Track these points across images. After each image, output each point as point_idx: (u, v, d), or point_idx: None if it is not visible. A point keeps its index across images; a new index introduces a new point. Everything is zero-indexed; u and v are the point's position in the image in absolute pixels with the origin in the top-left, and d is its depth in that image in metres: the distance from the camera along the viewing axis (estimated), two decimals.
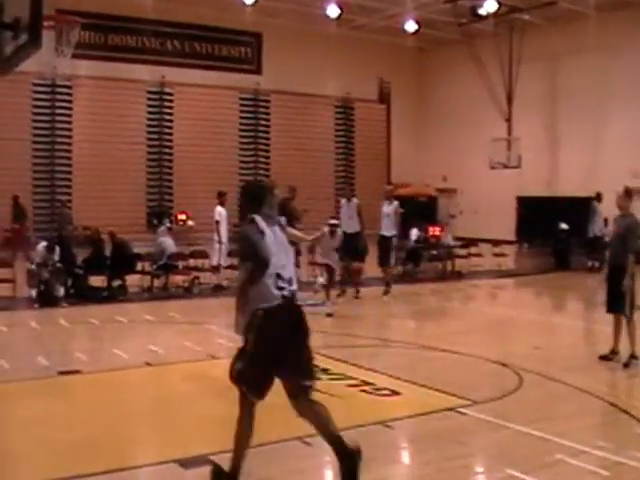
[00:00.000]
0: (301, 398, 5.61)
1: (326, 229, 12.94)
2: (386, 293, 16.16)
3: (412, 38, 31.57)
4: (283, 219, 5.84)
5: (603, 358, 9.91)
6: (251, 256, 5.42)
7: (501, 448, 6.65)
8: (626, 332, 9.79)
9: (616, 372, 9.56)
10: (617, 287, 9.73)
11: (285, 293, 5.42)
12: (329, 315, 13.24)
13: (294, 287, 5.51)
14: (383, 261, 16.48)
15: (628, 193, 10.11)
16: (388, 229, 16.24)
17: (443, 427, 7.17)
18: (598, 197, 22.43)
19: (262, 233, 5.42)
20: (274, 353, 5.40)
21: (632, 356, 9.67)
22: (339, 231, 14.91)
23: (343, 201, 16.31)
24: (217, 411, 7.69)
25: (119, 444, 6.64)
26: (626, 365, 9.63)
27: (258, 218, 5.50)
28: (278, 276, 5.39)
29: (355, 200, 16.20)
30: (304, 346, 5.64)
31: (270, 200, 7.02)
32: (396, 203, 16.49)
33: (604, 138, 28.21)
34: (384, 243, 16.31)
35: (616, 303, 9.80)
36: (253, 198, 5.74)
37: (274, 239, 5.48)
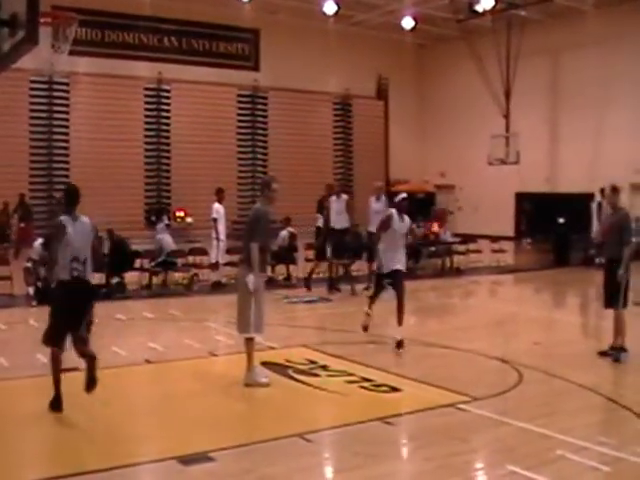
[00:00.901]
0: (79, 344, 7.44)
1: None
2: (368, 289, 16.01)
3: (410, 34, 31.56)
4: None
5: (602, 354, 9.93)
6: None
7: (502, 444, 6.65)
8: (633, 327, 9.86)
9: (617, 368, 9.57)
10: (614, 281, 9.82)
11: (75, 273, 7.32)
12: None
13: (86, 268, 7.44)
14: (373, 257, 16.33)
15: (615, 190, 10.31)
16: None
17: (443, 423, 7.17)
18: (602, 193, 22.39)
19: (64, 227, 7.30)
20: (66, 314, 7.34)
21: (621, 348, 9.78)
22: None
23: (333, 197, 16.10)
24: (217, 408, 7.70)
25: (119, 441, 6.64)
26: (615, 358, 9.71)
27: (64, 217, 7.37)
28: (74, 259, 7.30)
29: (344, 196, 16.09)
30: (86, 310, 7.49)
31: (267, 193, 8.70)
32: (385, 199, 16.29)
33: (604, 134, 28.19)
34: (374, 239, 16.08)
35: (613, 298, 9.86)
36: (67, 199, 7.61)
37: (74, 232, 7.32)
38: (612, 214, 10.37)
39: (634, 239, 9.96)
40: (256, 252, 8.25)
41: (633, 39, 26.84)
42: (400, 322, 10.57)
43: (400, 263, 10.69)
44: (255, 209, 8.79)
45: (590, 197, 22.65)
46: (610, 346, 9.94)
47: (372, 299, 11.08)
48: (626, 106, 27.27)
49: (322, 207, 17.18)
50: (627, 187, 26.61)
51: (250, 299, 8.33)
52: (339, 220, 15.61)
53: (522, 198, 31.43)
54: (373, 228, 16.12)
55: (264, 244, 8.47)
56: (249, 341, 8.44)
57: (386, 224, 10.61)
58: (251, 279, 8.24)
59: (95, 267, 7.85)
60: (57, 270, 7.40)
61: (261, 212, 8.63)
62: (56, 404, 7.32)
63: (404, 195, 11.04)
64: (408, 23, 29.74)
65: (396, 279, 10.63)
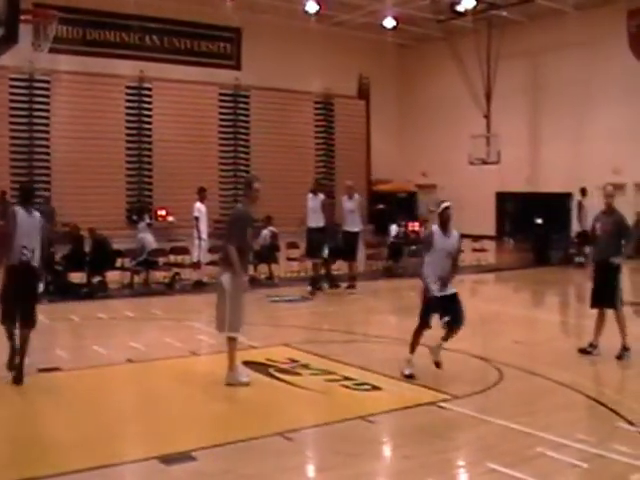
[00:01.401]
0: (24, 324, 8.44)
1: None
2: (350, 287, 16.10)
3: (392, 34, 31.69)
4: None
5: (582, 351, 10.00)
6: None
7: (482, 442, 6.68)
8: (612, 326, 9.90)
9: (596, 366, 9.65)
10: (606, 282, 9.87)
11: (23, 258, 8.34)
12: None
13: (34, 257, 8.43)
14: (348, 256, 16.33)
15: (613, 190, 10.26)
16: (353, 224, 16.00)
17: (424, 422, 7.20)
18: (583, 192, 22.58)
19: (15, 216, 8.37)
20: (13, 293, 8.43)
21: (624, 348, 9.78)
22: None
23: (310, 195, 15.94)
24: (199, 408, 7.69)
25: (101, 441, 6.60)
26: (619, 357, 9.74)
27: (17, 207, 8.53)
28: (23, 247, 8.34)
29: (321, 195, 15.98)
30: (30, 292, 8.62)
31: (249, 193, 8.64)
32: (358, 197, 16.28)
33: (585, 134, 28.39)
34: (349, 238, 16.08)
35: (606, 297, 9.90)
36: (21, 195, 8.97)
37: (25, 223, 8.38)
38: (604, 215, 10.23)
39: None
40: (234, 254, 8.21)
41: (613, 41, 27.04)
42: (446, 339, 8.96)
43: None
44: (234, 210, 8.82)
45: (570, 197, 22.77)
46: (590, 343, 10.00)
47: (416, 337, 9.00)
48: (606, 108, 27.47)
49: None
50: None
51: (225, 298, 8.29)
52: (314, 218, 15.55)
53: (503, 198, 31.59)
54: (348, 227, 16.11)
55: (243, 245, 8.40)
56: (231, 340, 8.41)
57: (428, 243, 8.94)
58: (226, 279, 8.27)
59: (42, 260, 8.72)
60: (10, 256, 8.35)
61: (240, 213, 8.65)
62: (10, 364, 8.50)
63: (447, 204, 9.10)
64: (390, 23, 29.85)
65: (451, 306, 8.79)
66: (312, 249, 15.83)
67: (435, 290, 8.71)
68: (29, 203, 8.69)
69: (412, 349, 8.90)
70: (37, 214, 8.61)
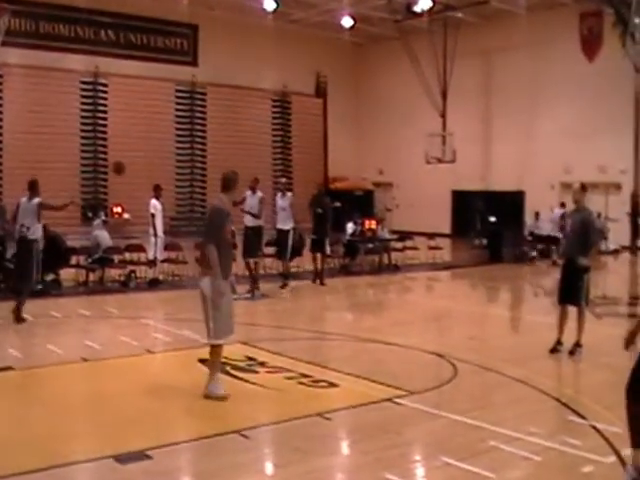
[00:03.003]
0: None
1: None
2: (284, 287, 15.97)
3: (349, 33, 31.77)
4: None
5: (553, 351, 9.99)
6: None
7: (437, 437, 6.75)
8: (575, 322, 10.02)
9: (549, 361, 9.77)
10: (573, 280, 9.93)
11: (22, 234, 11.43)
12: None
13: (29, 230, 11.64)
14: (280, 254, 16.20)
15: (584, 188, 10.28)
16: (284, 222, 15.85)
17: (380, 417, 7.24)
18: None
19: (18, 207, 11.76)
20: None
21: (577, 344, 9.90)
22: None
23: (248, 192, 15.24)
24: (154, 406, 7.63)
25: (55, 440, 6.52)
26: (572, 353, 9.87)
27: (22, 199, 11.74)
28: (22, 225, 11.52)
29: (259, 193, 15.68)
30: (24, 259, 11.62)
31: (231, 188, 8.07)
32: (290, 195, 16.20)
33: (536, 133, 28.84)
34: (281, 237, 15.92)
35: (573, 295, 9.97)
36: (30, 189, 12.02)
37: (23, 208, 11.74)
38: (575, 212, 10.27)
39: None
40: (214, 254, 7.56)
41: (562, 43, 27.53)
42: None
43: None
44: (211, 207, 8.18)
45: (522, 195, 23.06)
46: (557, 341, 10.01)
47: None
48: (556, 108, 27.95)
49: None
50: (557, 186, 27.31)
51: (207, 303, 7.68)
52: (249, 219, 15.30)
53: (458, 196, 31.88)
54: (280, 225, 15.98)
55: (223, 243, 7.74)
56: (214, 348, 7.81)
57: None
58: (205, 283, 7.64)
59: None
60: None
61: (217, 208, 7.94)
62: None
63: None
64: (347, 22, 29.93)
65: None
66: (247, 248, 15.39)
67: None
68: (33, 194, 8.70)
69: None
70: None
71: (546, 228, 23.18)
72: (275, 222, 16.39)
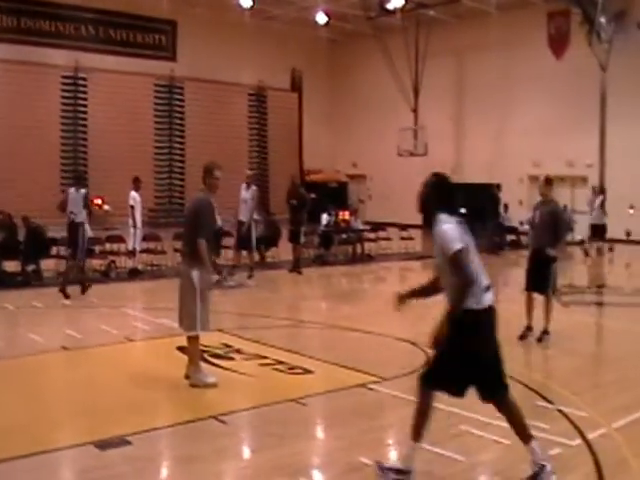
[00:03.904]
0: None
1: None
2: (250, 277, 15.76)
3: (324, 30, 31.71)
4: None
5: (522, 338, 10.06)
6: None
7: (409, 422, 6.72)
8: (542, 310, 10.10)
9: (517, 348, 9.79)
10: (541, 269, 9.98)
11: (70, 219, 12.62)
12: None
13: (76, 216, 12.81)
14: (243, 246, 15.82)
15: (549, 181, 10.35)
16: (245, 214, 15.57)
17: (354, 403, 7.23)
18: (498, 187, 23.03)
19: (67, 196, 12.83)
20: None
21: (545, 331, 9.98)
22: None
23: (243, 186, 15.41)
24: (134, 393, 7.56)
25: (36, 428, 6.45)
26: (539, 340, 9.94)
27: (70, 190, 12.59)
28: (71, 212, 12.65)
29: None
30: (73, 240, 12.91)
31: (209, 181, 7.92)
32: (254, 188, 15.77)
33: (506, 129, 28.99)
34: (241, 228, 15.56)
35: (540, 283, 10.01)
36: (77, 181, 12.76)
37: (71, 197, 12.64)
38: (542, 204, 10.25)
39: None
40: (204, 248, 7.55)
41: (532, 41, 27.64)
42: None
43: None
44: (195, 199, 8.02)
45: (492, 188, 23.14)
46: (526, 327, 10.10)
47: None
48: (526, 104, 28.10)
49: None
50: (526, 179, 27.47)
51: (196, 295, 7.59)
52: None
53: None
54: (241, 217, 15.75)
55: (210, 237, 7.73)
56: (194, 339, 7.75)
57: None
58: (196, 275, 7.58)
59: None
60: None
61: (202, 202, 7.83)
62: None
63: None
64: (322, 19, 29.88)
65: None
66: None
67: None
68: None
69: None
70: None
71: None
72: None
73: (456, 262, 5.06)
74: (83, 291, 13.47)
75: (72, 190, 13.25)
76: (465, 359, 5.15)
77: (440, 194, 5.56)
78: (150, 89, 30.39)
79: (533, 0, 27.09)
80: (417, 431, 5.31)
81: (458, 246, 5.09)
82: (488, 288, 5.23)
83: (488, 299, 5.22)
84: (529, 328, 10.09)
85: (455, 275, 5.10)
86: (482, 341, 5.22)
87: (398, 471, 5.22)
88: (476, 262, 5.25)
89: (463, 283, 5.06)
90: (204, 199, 7.87)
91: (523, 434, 5.31)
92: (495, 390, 5.36)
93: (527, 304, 10.18)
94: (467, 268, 5.06)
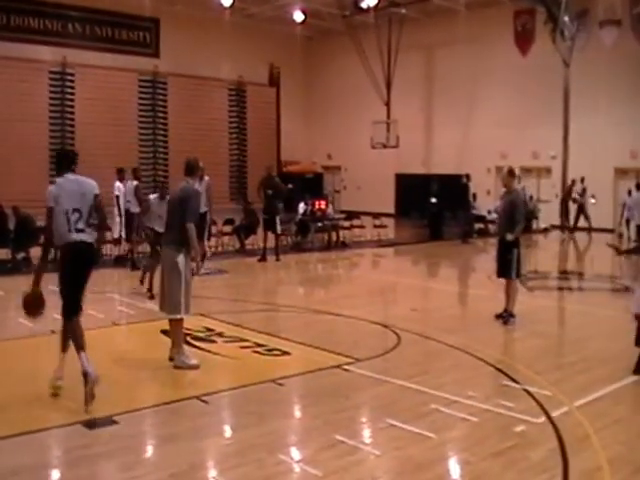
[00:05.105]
0: None
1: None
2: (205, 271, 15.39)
3: (300, 27, 31.57)
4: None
5: (498, 317, 10.17)
6: None
7: (382, 401, 6.76)
8: (504, 292, 10.20)
9: (485, 330, 9.85)
10: (502, 255, 10.09)
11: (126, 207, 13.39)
12: None
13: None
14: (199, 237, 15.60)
15: (512, 173, 10.46)
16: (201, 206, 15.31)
17: (329, 383, 7.24)
18: (467, 177, 23.05)
19: None
20: None
21: (510, 314, 10.06)
22: None
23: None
24: (120, 375, 7.52)
25: (26, 408, 6.39)
26: (505, 322, 10.01)
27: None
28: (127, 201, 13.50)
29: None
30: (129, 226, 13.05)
31: (198, 173, 8.49)
32: (207, 179, 15.03)
33: (474, 121, 29.06)
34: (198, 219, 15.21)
35: (503, 267, 10.12)
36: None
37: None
38: (505, 195, 10.38)
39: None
40: (194, 232, 7.56)
41: (499, 39, 27.71)
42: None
43: None
44: (184, 188, 7.94)
45: (461, 178, 23.18)
46: (504, 309, 10.17)
47: None
48: (493, 98, 28.18)
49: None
50: (493, 169, 27.58)
51: (180, 280, 7.56)
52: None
53: (401, 178, 32.03)
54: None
55: (196, 223, 7.78)
56: (177, 322, 7.71)
57: None
58: (181, 260, 7.58)
59: None
60: None
61: (189, 190, 7.88)
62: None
63: None
64: (299, 16, 29.81)
65: None
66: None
67: None
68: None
69: None
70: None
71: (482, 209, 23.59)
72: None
73: None
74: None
75: (128, 183, 15.02)
76: None
77: None
78: (134, 84, 30.07)
79: None
80: None
81: None
82: None
83: None
84: (507, 311, 10.16)
85: None
86: None
87: None
88: None
89: None
90: (190, 187, 7.98)
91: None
92: None
93: (505, 289, 10.26)
94: None
